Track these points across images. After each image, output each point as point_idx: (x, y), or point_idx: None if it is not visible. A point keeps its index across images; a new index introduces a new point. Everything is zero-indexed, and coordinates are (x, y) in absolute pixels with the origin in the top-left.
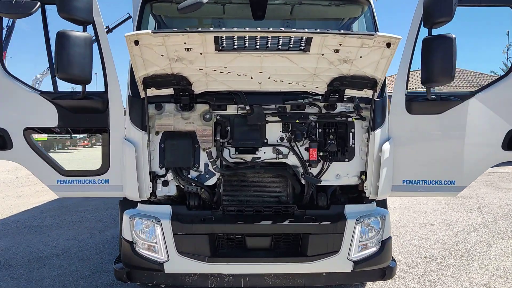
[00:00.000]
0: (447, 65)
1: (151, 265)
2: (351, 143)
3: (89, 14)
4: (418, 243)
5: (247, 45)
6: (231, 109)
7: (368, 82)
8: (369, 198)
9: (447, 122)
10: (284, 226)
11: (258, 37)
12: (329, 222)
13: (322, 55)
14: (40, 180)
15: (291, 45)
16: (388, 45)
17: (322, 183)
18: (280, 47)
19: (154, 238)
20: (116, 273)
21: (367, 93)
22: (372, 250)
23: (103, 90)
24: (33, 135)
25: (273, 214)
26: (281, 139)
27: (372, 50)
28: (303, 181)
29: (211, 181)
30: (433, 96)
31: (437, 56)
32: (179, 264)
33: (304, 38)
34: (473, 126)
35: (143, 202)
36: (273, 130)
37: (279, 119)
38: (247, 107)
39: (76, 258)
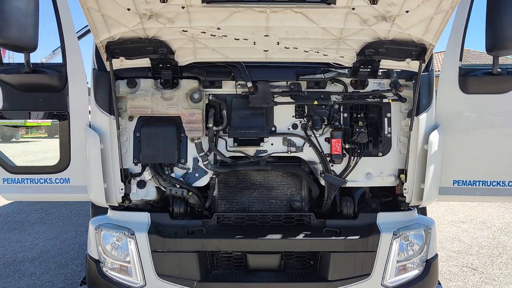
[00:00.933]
0: None
1: None
2: (386, 132)
3: None
4: (451, 247)
5: None
6: (228, 87)
7: (413, 50)
8: (410, 204)
9: None
10: (298, 241)
11: None
12: (357, 237)
13: (353, 9)
14: None
15: None
16: None
17: (348, 185)
18: None
19: (126, 256)
20: None
21: (410, 65)
22: (413, 273)
23: (61, 62)
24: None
25: (283, 224)
26: (294, 126)
27: (424, 0)
28: (322, 182)
29: (202, 182)
30: (499, 69)
31: (510, 13)
32: None
33: None
34: None
35: (114, 208)
36: (284, 115)
37: (292, 100)
38: (249, 84)
39: (53, 263)
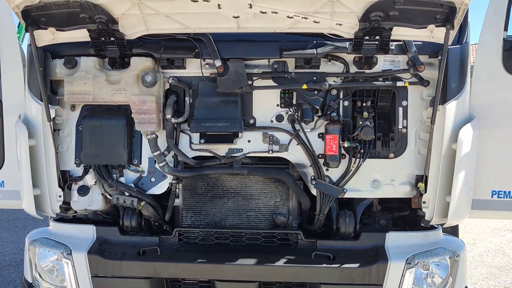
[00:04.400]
0: None
1: None
2: (400, 126)
3: None
4: (493, 262)
5: None
6: (194, 67)
7: (439, 11)
8: (431, 222)
9: None
10: (277, 269)
11: None
12: (357, 265)
13: None
14: None
15: None
16: None
17: (347, 195)
18: None
19: (63, 280)
20: None
21: (434, 34)
22: None
23: None
24: None
25: (262, 244)
26: (279, 118)
27: None
28: (314, 191)
29: (160, 189)
30: None
31: None
32: None
33: None
34: None
35: (58, 219)
36: (266, 104)
37: (275, 84)
38: (218, 63)
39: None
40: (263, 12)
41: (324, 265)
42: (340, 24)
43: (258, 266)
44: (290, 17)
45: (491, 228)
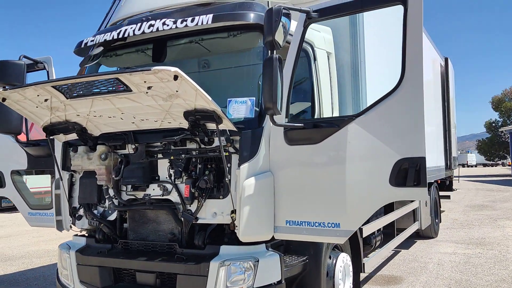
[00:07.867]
0: (267, 90)
1: None
2: (227, 179)
3: (20, 79)
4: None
5: (81, 92)
6: (128, 149)
7: (215, 115)
8: (240, 239)
9: (327, 153)
10: (154, 264)
11: (82, 83)
12: (194, 263)
13: (147, 93)
14: (20, 211)
15: (114, 87)
16: (175, 77)
17: (200, 221)
18: (108, 89)
19: (67, 266)
20: None
21: (227, 125)
22: None
23: None
24: None
25: (158, 251)
26: (170, 175)
27: (179, 84)
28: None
29: (112, 217)
30: (299, 125)
31: (264, 80)
32: None
33: (113, 79)
34: (356, 157)
35: (77, 235)
36: (164, 167)
37: (161, 156)
38: (133, 146)
39: None
40: (142, 120)
41: (177, 263)
42: (181, 123)
43: (145, 261)
44: (155, 121)
45: None
